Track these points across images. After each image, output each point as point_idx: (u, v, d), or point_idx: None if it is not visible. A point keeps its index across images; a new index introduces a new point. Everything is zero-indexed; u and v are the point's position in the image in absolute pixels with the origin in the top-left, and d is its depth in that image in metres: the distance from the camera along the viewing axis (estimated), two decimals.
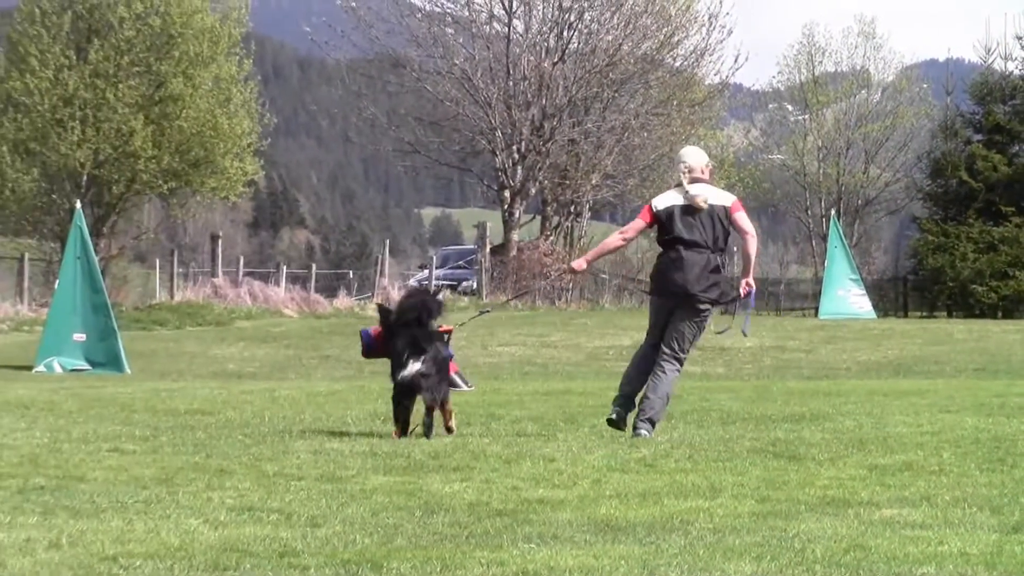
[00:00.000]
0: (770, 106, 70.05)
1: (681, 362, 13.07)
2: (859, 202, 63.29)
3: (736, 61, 75.31)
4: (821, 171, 63.30)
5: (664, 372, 12.94)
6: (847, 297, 46.70)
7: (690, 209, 12.94)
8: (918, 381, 24.30)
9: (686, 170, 13.07)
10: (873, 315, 46.69)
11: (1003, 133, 54.05)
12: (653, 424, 12.93)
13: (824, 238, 55.91)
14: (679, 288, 12.88)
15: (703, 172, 13.12)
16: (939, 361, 30.25)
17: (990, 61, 56.42)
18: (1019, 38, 55.25)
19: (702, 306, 12.93)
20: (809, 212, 63.89)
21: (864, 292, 47.61)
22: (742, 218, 13.04)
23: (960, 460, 10.89)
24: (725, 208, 13.00)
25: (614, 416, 13.05)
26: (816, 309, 49.15)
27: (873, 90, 66.83)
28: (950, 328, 39.31)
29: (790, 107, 67.69)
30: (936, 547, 7.19)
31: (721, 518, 8.31)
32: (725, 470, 10.50)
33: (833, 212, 54.30)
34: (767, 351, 32.47)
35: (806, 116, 65.43)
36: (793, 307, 57.31)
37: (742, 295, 13.20)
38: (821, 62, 65.96)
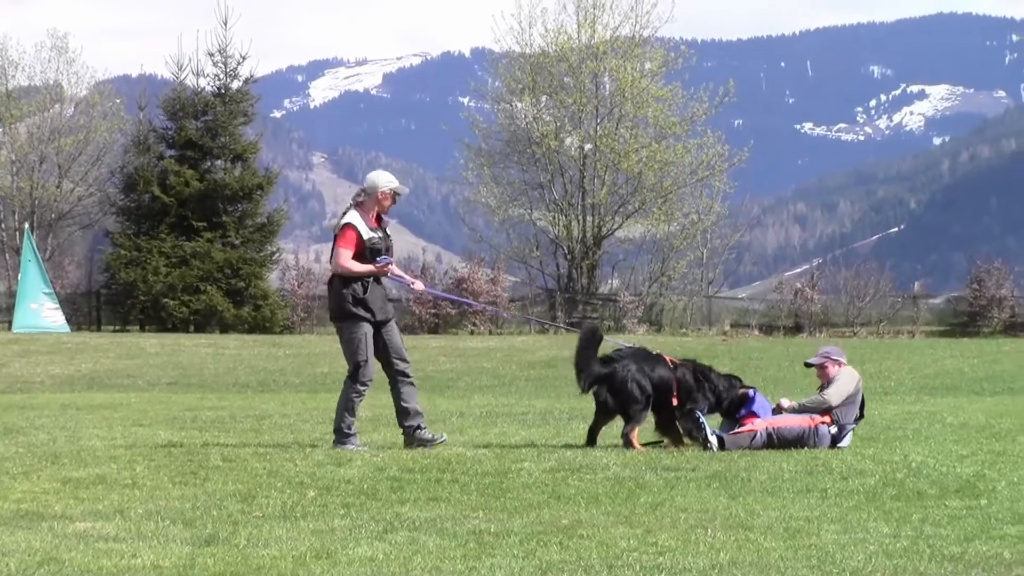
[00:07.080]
0: None
1: None
2: (52, 216, 62.63)
3: None
4: (15, 184, 62.20)
5: None
6: (40, 311, 46.25)
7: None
8: (112, 394, 24.52)
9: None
10: (67, 328, 46.49)
11: (195, 148, 55.10)
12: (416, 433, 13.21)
13: (18, 251, 54.93)
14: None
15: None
16: (132, 375, 30.59)
17: (183, 77, 57.42)
18: (211, 55, 56.50)
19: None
20: (3, 225, 62.61)
21: (58, 306, 47.29)
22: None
23: (154, 473, 11.17)
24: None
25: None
26: (10, 323, 48.31)
27: (67, 104, 66.35)
28: (143, 342, 39.78)
29: None
30: (130, 560, 7.38)
31: None
32: None
33: (27, 225, 53.52)
34: None
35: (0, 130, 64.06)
36: None
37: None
38: (14, 76, 64.84)
